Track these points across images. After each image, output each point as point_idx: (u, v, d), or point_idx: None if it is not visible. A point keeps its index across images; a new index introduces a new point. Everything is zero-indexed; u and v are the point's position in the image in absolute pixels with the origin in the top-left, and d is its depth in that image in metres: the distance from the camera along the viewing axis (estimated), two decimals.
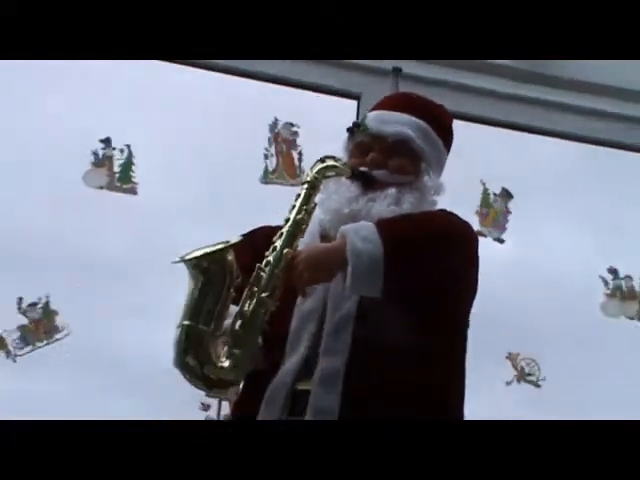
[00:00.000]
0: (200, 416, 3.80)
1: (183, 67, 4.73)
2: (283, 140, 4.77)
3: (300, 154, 4.77)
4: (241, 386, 3.35)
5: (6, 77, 4.66)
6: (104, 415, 4.53)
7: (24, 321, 4.59)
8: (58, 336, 4.61)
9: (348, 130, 3.59)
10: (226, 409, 3.63)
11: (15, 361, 4.60)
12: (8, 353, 4.59)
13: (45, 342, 4.57)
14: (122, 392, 4.74)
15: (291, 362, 3.27)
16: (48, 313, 4.58)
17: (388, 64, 4.71)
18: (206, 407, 3.78)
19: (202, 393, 3.54)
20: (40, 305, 4.58)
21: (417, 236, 3.26)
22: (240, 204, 4.64)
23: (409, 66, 4.65)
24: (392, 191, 3.39)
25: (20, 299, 4.62)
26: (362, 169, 3.43)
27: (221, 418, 3.59)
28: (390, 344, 3.16)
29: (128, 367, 4.71)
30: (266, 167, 4.78)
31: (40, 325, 4.56)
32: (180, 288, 3.19)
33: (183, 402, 3.65)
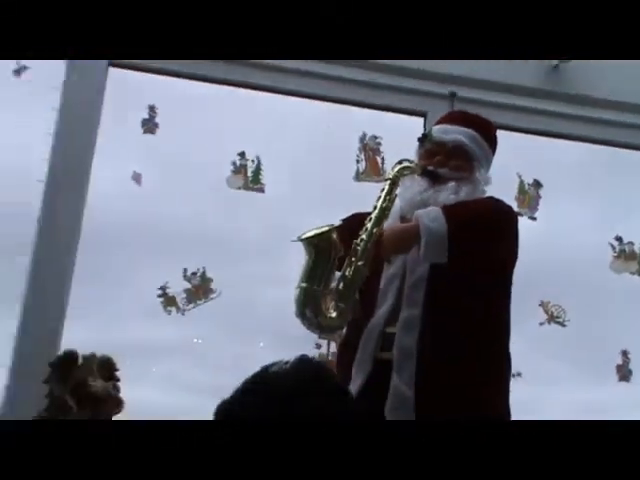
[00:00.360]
0: (315, 352, 3.92)
1: (299, 99, 5.01)
2: (370, 149, 4.94)
3: (383, 159, 4.94)
4: (344, 330, 3.58)
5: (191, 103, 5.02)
6: (246, 351, 4.83)
7: (188, 286, 4.86)
8: (212, 296, 4.81)
9: (418, 139, 3.77)
10: (333, 347, 3.79)
11: (184, 314, 4.89)
12: (178, 309, 4.87)
13: (203, 301, 4.87)
14: (258, 335, 4.93)
15: (381, 311, 3.48)
16: (205, 280, 4.85)
17: (445, 89, 4.91)
18: (318, 346, 3.94)
19: (315, 336, 3.81)
20: (199, 274, 4.86)
21: (472, 216, 3.48)
22: (340, 197, 4.75)
23: (461, 91, 4.87)
24: (452, 184, 3.58)
25: (185, 269, 4.89)
26: (430, 168, 3.62)
27: (330, 354, 3.71)
28: (454, 297, 3.41)
29: (263, 318, 4.86)
30: (357, 169, 4.98)
31: (199, 289, 4.78)
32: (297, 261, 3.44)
33: (302, 342, 3.83)
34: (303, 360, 2.01)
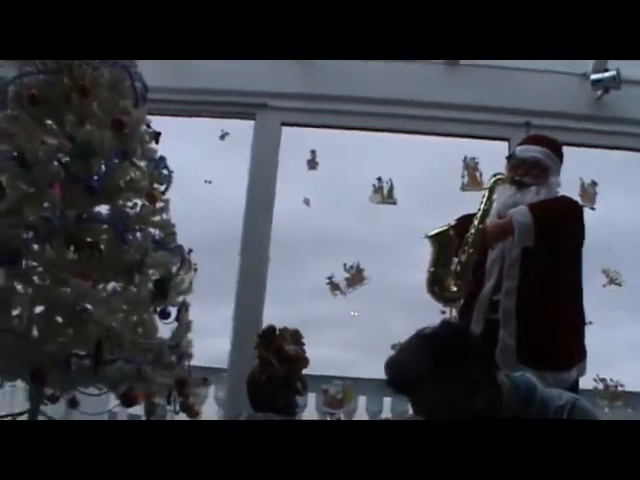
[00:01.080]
0: (440, 317, 3.93)
1: (417, 136, 5.04)
2: (470, 167, 4.93)
3: (480, 174, 4.90)
4: (462, 301, 3.61)
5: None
6: (397, 321, 4.90)
7: (347, 275, 4.91)
8: (365, 282, 4.92)
9: (507, 158, 3.76)
10: (454, 313, 3.81)
11: (345, 296, 4.94)
12: (341, 292, 4.92)
13: (359, 286, 4.90)
14: (399, 307, 4.97)
15: (489, 284, 3.48)
16: (359, 271, 4.88)
17: (522, 119, 4.84)
18: (443, 312, 3.92)
19: (440, 305, 3.86)
20: (355, 267, 4.88)
21: (550, 210, 3.48)
22: (451, 203, 4.72)
23: (534, 120, 4.79)
24: (533, 188, 3.56)
25: (345, 264, 4.92)
26: (516, 178, 3.60)
27: (452, 318, 3.73)
28: (540, 270, 3.38)
29: (405, 297, 4.91)
30: (462, 182, 4.95)
31: (355, 277, 4.85)
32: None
33: (431, 310, 3.83)
34: (446, 322, 2.09)
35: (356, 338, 5.35)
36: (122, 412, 6.10)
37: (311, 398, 5.68)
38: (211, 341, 5.14)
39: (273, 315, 4.57)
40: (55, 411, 3.83)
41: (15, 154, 3.23)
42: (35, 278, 3.20)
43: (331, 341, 5.41)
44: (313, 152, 5.11)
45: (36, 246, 3.17)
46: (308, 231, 5.12)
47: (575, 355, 3.43)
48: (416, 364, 1.93)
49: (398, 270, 5.13)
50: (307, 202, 5.01)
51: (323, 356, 5.32)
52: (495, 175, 3.68)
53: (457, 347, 1.95)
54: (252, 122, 5.08)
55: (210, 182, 4.95)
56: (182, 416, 3.36)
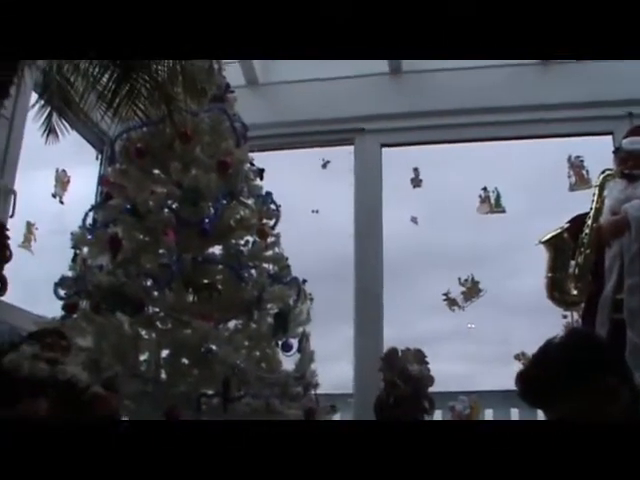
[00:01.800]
0: (562, 321, 3.85)
1: (518, 141, 4.99)
2: (576, 166, 4.82)
3: (587, 171, 4.77)
4: (583, 304, 3.49)
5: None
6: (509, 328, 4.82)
7: (463, 289, 4.84)
8: (481, 294, 4.83)
9: (613, 152, 3.64)
10: (575, 316, 3.71)
11: (463, 310, 4.90)
12: (459, 306, 4.89)
13: (476, 298, 4.83)
14: (519, 316, 4.87)
15: (610, 284, 3.35)
16: (474, 283, 4.82)
17: (624, 110, 4.66)
18: (564, 317, 3.83)
19: (561, 310, 3.76)
20: (469, 279, 4.82)
21: None
22: (562, 204, 4.67)
23: (637, 110, 4.63)
24: None
25: (459, 278, 4.86)
26: (626, 171, 3.48)
27: (575, 322, 3.65)
28: None
29: (523, 305, 4.83)
30: (570, 182, 4.83)
31: (472, 289, 4.79)
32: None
33: (552, 316, 3.75)
34: (574, 329, 2.03)
35: (477, 350, 5.27)
36: None
37: (437, 416, 5.63)
38: (334, 367, 5.16)
39: (393, 335, 4.58)
40: None
41: (128, 206, 3.35)
42: (158, 323, 3.31)
43: (452, 356, 5.35)
44: (416, 170, 5.10)
45: (156, 292, 3.27)
46: (419, 249, 5.11)
47: None
48: (549, 375, 1.88)
49: (513, 279, 5.04)
50: (415, 220, 5.00)
51: (445, 372, 5.27)
52: (604, 171, 3.62)
53: (589, 354, 1.90)
54: (352, 147, 5.14)
55: (317, 211, 5.02)
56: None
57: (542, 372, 1.91)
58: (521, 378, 1.96)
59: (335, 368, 5.36)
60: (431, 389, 3.72)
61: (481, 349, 5.24)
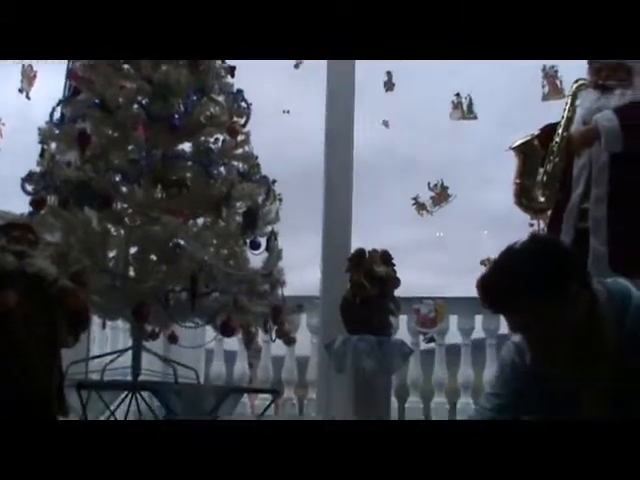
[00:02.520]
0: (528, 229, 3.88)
1: None
2: (550, 75, 4.74)
3: (561, 82, 4.72)
4: (550, 212, 3.51)
5: None
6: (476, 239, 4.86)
7: (432, 194, 4.86)
8: (450, 199, 4.86)
9: (588, 62, 3.52)
10: (542, 225, 3.75)
11: (432, 215, 4.96)
12: (427, 211, 4.92)
13: (444, 203, 4.90)
14: (486, 225, 4.95)
15: (577, 193, 3.37)
16: (444, 188, 4.84)
17: None
18: (531, 225, 3.85)
19: (528, 218, 3.80)
20: (439, 184, 4.84)
21: (638, 112, 3.31)
22: (534, 113, 4.60)
23: None
24: (618, 92, 3.40)
25: (429, 183, 4.90)
26: (600, 82, 3.43)
27: (541, 230, 3.67)
28: (631, 175, 3.27)
29: (488, 212, 4.88)
30: (543, 92, 4.79)
31: (441, 195, 4.80)
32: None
33: (519, 224, 3.77)
34: (536, 235, 2.03)
35: (444, 260, 5.37)
36: (218, 348, 6.29)
37: (403, 320, 5.73)
38: (302, 272, 5.20)
39: (361, 243, 4.60)
40: (155, 346, 3.98)
41: (96, 101, 3.30)
42: (126, 219, 3.30)
43: (419, 265, 5.43)
44: (389, 73, 5.03)
45: (125, 188, 3.26)
46: (389, 153, 5.09)
47: None
48: (509, 280, 1.91)
49: (483, 187, 5.09)
50: (386, 124, 4.96)
51: (413, 280, 5.35)
52: (577, 81, 3.56)
53: (550, 259, 1.92)
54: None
55: (288, 112, 4.97)
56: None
57: (503, 277, 1.92)
58: (482, 283, 1.97)
59: (303, 273, 5.42)
60: (398, 294, 3.79)
61: (448, 258, 5.33)
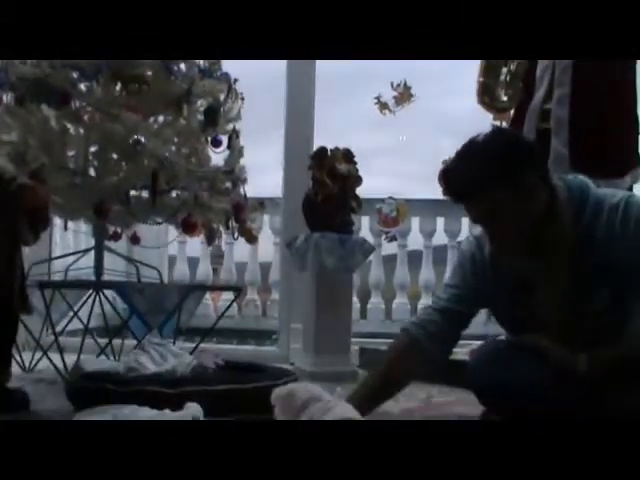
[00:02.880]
0: None
1: None
2: None
3: None
4: (512, 112, 3.50)
5: None
6: (443, 148, 4.87)
7: (395, 93, 4.79)
8: (413, 100, 4.81)
9: None
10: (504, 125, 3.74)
11: (394, 115, 4.88)
12: (390, 110, 4.85)
13: (407, 103, 4.85)
14: (453, 133, 4.95)
15: (540, 93, 3.29)
16: (407, 87, 4.73)
17: None
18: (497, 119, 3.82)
19: (491, 119, 3.77)
20: (402, 84, 4.76)
21: None
22: None
23: None
24: None
25: (392, 82, 4.83)
26: None
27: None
28: (593, 76, 3.16)
29: (455, 119, 4.88)
30: None
31: (404, 94, 4.74)
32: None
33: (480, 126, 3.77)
34: (497, 127, 2.05)
35: (407, 165, 5.38)
36: (181, 254, 6.33)
37: (365, 222, 5.79)
38: (264, 175, 5.18)
39: (323, 141, 4.58)
40: (118, 248, 3.98)
41: None
42: (86, 117, 3.24)
43: (382, 170, 5.43)
44: None
45: (83, 85, 3.19)
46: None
47: (629, 162, 3.35)
48: (470, 169, 1.94)
49: (446, 95, 5.06)
50: None
51: (376, 184, 5.38)
52: None
53: (512, 150, 1.95)
54: None
55: None
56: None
57: (464, 166, 1.97)
58: (444, 173, 2.01)
59: (265, 176, 5.40)
60: (360, 195, 3.80)
61: (411, 164, 5.34)
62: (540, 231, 1.99)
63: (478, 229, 2.25)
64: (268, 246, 6.33)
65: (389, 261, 6.24)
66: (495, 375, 2.06)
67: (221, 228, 3.44)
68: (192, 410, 1.95)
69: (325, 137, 4.78)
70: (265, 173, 5.35)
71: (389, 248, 6.31)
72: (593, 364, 1.95)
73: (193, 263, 6.42)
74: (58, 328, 3.40)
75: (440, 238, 6.29)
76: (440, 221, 6.08)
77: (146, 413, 1.93)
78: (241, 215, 3.33)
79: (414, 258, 6.26)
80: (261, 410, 2.26)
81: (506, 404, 1.98)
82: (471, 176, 1.94)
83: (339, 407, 1.61)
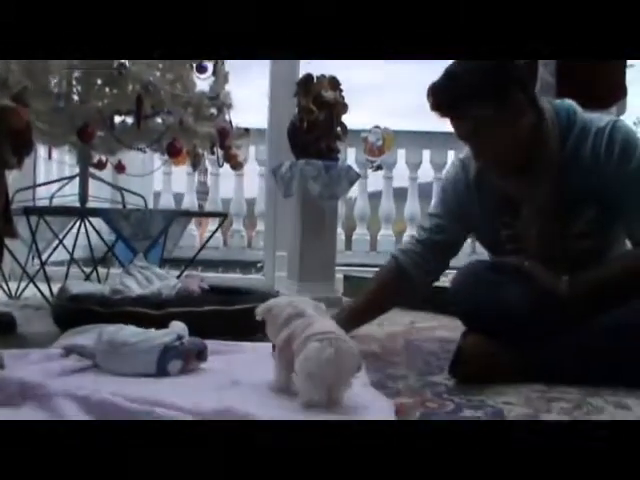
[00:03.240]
0: None
1: None
2: None
3: None
4: None
5: None
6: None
7: None
8: None
9: None
10: None
11: None
12: None
13: None
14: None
15: None
16: None
17: None
18: None
19: None
20: None
21: None
22: None
23: None
24: None
25: None
26: None
27: None
28: None
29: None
30: None
31: None
32: None
33: None
34: None
35: (396, 101, 5.31)
36: (166, 187, 6.31)
37: (351, 153, 5.78)
38: (250, 108, 5.11)
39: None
40: (104, 176, 3.95)
41: None
42: None
43: (369, 107, 5.36)
44: None
45: None
46: None
47: (615, 93, 3.36)
48: (458, 85, 1.95)
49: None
50: None
51: (362, 118, 5.33)
52: None
53: (498, 68, 1.94)
54: None
55: None
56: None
57: (452, 82, 1.97)
58: (432, 89, 2.00)
59: (251, 109, 5.35)
60: (347, 126, 3.78)
61: (400, 99, 5.28)
62: (526, 151, 2.00)
63: (463, 153, 2.26)
64: (253, 181, 6.33)
65: (375, 198, 6.25)
66: (477, 295, 2.08)
67: (206, 154, 3.42)
68: (177, 328, 1.96)
69: (310, 66, 4.74)
70: (250, 105, 5.29)
71: (375, 184, 6.32)
72: (573, 287, 1.97)
73: (178, 199, 6.40)
74: (44, 257, 3.39)
75: (426, 175, 6.29)
76: (426, 153, 6.07)
77: (131, 330, 1.94)
78: (226, 141, 3.30)
79: (400, 195, 6.27)
80: (246, 332, 2.31)
81: (487, 324, 2.00)
82: (458, 91, 1.94)
83: (319, 323, 1.62)
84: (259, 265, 5.23)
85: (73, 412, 1.46)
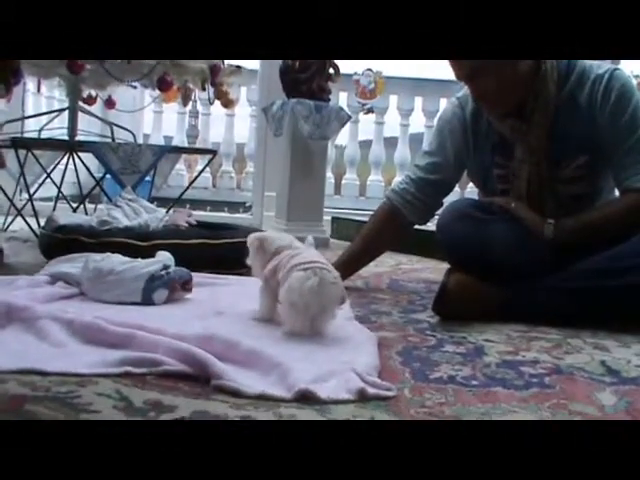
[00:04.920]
0: None
1: None
2: None
3: None
4: None
5: None
6: None
7: None
8: None
9: None
10: None
11: None
12: None
13: None
14: None
15: None
16: None
17: None
18: None
19: None
20: None
21: None
22: None
23: None
24: None
25: None
26: None
27: None
28: None
29: None
30: None
31: None
32: None
33: None
34: None
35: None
36: (157, 125, 6.24)
37: (343, 99, 5.72)
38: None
39: None
40: (93, 111, 3.91)
41: None
42: None
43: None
44: None
45: None
46: None
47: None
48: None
49: None
50: None
51: (355, 63, 5.29)
52: None
53: None
54: None
55: None
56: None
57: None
58: None
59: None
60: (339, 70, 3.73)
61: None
62: (524, 93, 2.00)
63: (460, 93, 2.25)
64: (244, 125, 6.28)
65: (365, 146, 6.20)
66: (463, 230, 2.07)
67: (197, 91, 3.38)
68: (163, 258, 1.96)
69: None
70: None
71: (366, 133, 6.27)
72: (557, 231, 1.98)
73: (168, 141, 6.34)
74: (32, 191, 3.37)
75: (416, 126, 6.24)
76: (418, 100, 6.02)
77: (117, 259, 1.94)
78: (217, 77, 3.26)
79: (390, 145, 6.23)
80: (232, 266, 2.31)
81: (471, 259, 2.01)
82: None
83: (305, 252, 1.63)
84: (247, 204, 5.22)
85: (57, 333, 1.47)
